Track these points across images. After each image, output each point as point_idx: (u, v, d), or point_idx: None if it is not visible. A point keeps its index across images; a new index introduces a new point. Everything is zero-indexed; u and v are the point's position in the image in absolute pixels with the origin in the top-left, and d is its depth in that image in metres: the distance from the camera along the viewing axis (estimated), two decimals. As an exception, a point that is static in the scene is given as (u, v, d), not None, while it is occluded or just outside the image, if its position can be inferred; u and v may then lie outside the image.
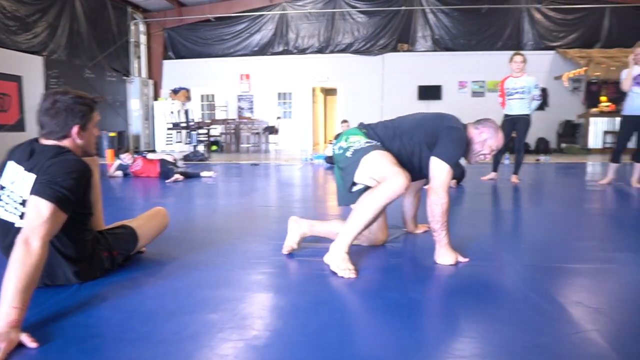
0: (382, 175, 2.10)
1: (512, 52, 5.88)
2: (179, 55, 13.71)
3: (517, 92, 5.60)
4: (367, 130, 2.38)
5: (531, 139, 11.31)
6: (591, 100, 12.14)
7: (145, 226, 2.18)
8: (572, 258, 2.33)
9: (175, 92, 13.29)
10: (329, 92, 16.44)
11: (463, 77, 12.87)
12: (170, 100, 13.05)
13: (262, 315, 1.60)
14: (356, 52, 13.12)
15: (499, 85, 5.94)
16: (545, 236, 2.92)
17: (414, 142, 2.28)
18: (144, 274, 2.02)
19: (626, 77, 5.05)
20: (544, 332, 1.45)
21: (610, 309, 1.65)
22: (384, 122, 2.44)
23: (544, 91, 12.32)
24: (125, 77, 12.53)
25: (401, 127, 2.35)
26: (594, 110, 11.63)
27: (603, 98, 11.78)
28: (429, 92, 12.89)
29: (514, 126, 5.66)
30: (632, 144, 5.29)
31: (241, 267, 2.14)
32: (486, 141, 2.32)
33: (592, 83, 12.11)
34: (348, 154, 2.27)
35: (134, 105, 12.65)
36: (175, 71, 13.63)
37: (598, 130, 11.43)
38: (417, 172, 2.32)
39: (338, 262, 2.02)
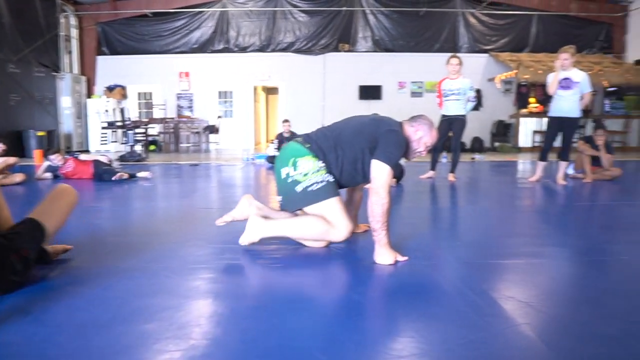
0: (331, 220, 2.33)
1: (449, 54, 6.07)
2: (114, 51, 13.14)
3: (453, 94, 5.79)
4: (311, 143, 2.41)
5: (467, 138, 11.79)
6: (521, 101, 12.80)
7: (47, 211, 1.98)
8: (505, 254, 2.44)
9: (110, 89, 12.74)
10: (270, 91, 16.34)
11: (402, 78, 13.19)
12: (105, 98, 12.48)
13: (200, 323, 1.55)
14: (298, 51, 13.11)
15: (437, 86, 6.14)
16: (480, 233, 3.03)
17: (356, 150, 2.36)
18: (72, 283, 1.91)
19: (552, 82, 5.35)
20: (478, 327, 1.49)
21: (539, 302, 1.73)
22: (324, 132, 2.48)
23: (478, 92, 12.86)
24: (55, 73, 11.84)
25: (341, 136, 2.41)
26: (524, 111, 12.26)
27: (532, 99, 12.45)
28: (370, 92, 13.11)
29: (451, 126, 5.86)
30: (558, 143, 5.61)
31: (179, 273, 2.06)
32: (421, 139, 2.42)
33: (522, 85, 12.76)
34: (298, 188, 2.33)
35: (65, 103, 11.99)
36: (110, 68, 13.05)
37: (528, 130, 12.08)
38: (361, 177, 2.42)
39: (252, 235, 2.38)
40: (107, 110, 11.44)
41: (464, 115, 5.84)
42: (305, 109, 13.13)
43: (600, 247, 2.62)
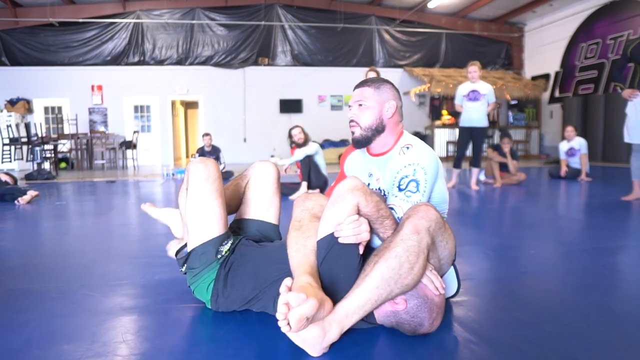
0: None
1: (367, 69, 6.27)
2: (16, 62, 12.20)
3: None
4: None
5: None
6: (435, 113, 13.51)
7: None
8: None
9: (12, 103, 11.80)
10: (190, 105, 15.98)
11: (322, 92, 13.44)
12: (6, 113, 11.52)
13: (126, 339, 1.47)
14: (217, 65, 12.96)
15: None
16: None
17: None
18: (-23, 308, 1.73)
19: (456, 99, 5.82)
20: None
21: (460, 296, 1.82)
22: None
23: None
24: (-54, 86, 10.78)
25: None
26: (438, 122, 12.94)
27: (444, 112, 13.18)
28: (290, 106, 13.22)
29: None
30: (470, 152, 5.99)
31: (99, 290, 1.94)
32: None
33: (435, 99, 13.49)
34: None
35: (-41, 118, 10.93)
36: (11, 80, 12.05)
37: (442, 141, 12.75)
38: None
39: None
40: (9, 126, 10.57)
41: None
42: (226, 123, 12.96)
43: (511, 244, 2.82)
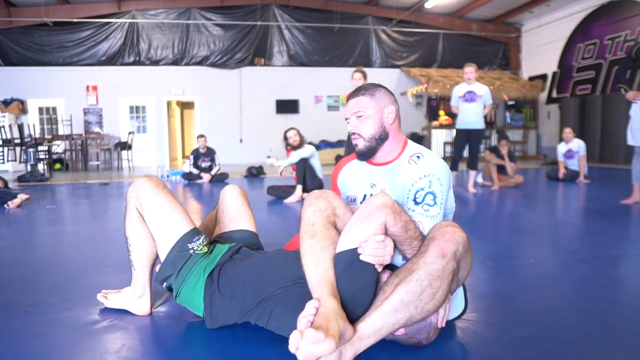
0: None
1: (364, 69, 6.18)
2: (10, 62, 12.09)
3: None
4: None
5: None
6: (432, 114, 13.46)
7: None
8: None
9: (5, 103, 11.69)
10: (186, 105, 15.90)
11: (318, 92, 13.38)
12: (-1, 113, 11.43)
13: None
14: (213, 65, 12.88)
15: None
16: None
17: None
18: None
19: (452, 100, 5.76)
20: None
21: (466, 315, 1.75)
22: None
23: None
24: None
25: None
26: (435, 123, 12.89)
27: (441, 112, 13.12)
28: (287, 106, 13.15)
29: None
30: (467, 153, 5.92)
31: (81, 304, 1.86)
32: None
33: (432, 99, 13.43)
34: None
35: (-48, 119, 10.83)
36: (5, 80, 11.93)
37: (439, 141, 12.68)
38: None
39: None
40: (2, 126, 10.46)
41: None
42: (222, 123, 12.88)
43: (509, 252, 2.75)
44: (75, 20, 12.01)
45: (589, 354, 1.40)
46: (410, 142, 1.69)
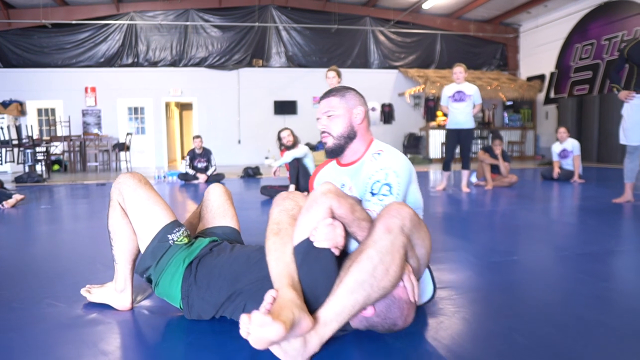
0: None
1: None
2: (8, 64, 12.13)
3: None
4: None
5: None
6: (430, 114, 13.47)
7: None
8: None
9: (4, 105, 11.74)
10: (184, 106, 15.93)
11: (316, 93, 13.38)
12: (-2, 115, 11.46)
13: (82, 354, 1.41)
14: (211, 66, 12.91)
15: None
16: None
17: None
18: None
19: (441, 100, 5.82)
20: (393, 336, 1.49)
21: (434, 304, 1.77)
22: None
23: (390, 106, 13.41)
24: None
25: None
26: (433, 123, 12.90)
27: (439, 113, 13.14)
28: (285, 107, 13.18)
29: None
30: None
31: (64, 300, 1.88)
32: None
33: (430, 100, 13.44)
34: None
35: (-49, 121, 10.87)
36: (3, 82, 11.97)
37: (437, 142, 12.70)
38: None
39: None
40: (1, 128, 10.50)
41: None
42: (220, 124, 12.91)
43: (494, 249, 2.77)
44: (74, 22, 12.05)
45: (561, 347, 1.41)
46: (375, 141, 1.76)
